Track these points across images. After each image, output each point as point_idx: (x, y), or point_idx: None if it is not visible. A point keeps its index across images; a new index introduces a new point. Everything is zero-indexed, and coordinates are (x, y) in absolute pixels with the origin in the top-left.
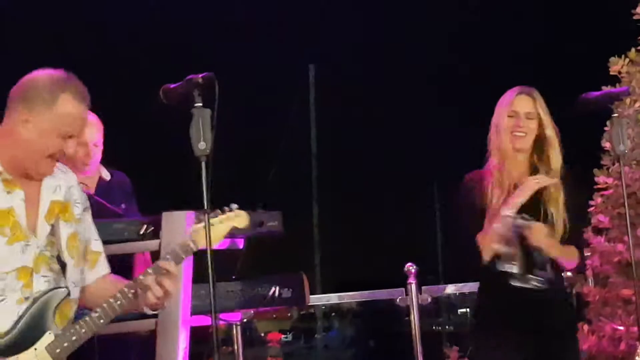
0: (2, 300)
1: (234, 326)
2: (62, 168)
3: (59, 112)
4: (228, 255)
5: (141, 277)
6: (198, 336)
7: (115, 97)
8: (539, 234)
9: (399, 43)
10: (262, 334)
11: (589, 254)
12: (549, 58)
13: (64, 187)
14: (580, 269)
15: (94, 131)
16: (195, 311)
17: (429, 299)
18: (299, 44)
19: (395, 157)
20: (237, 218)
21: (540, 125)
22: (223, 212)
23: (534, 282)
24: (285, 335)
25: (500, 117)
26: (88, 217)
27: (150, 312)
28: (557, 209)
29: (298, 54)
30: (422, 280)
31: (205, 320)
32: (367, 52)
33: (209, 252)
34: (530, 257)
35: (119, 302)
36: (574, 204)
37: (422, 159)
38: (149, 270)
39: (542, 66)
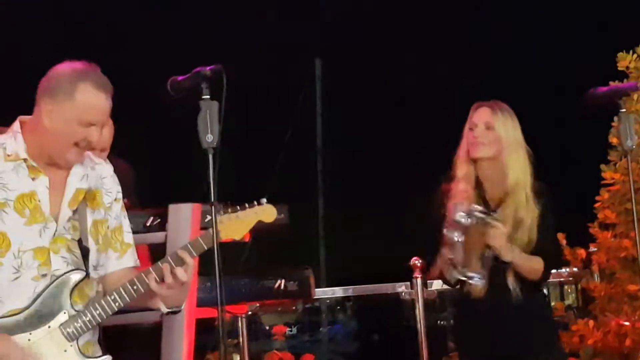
0: (17, 277)
1: (240, 318)
2: (97, 160)
3: (79, 101)
4: (234, 247)
5: (159, 263)
6: (203, 328)
7: (122, 88)
8: (498, 234)
9: (406, 37)
10: (267, 327)
11: (595, 249)
12: (557, 53)
13: (93, 176)
14: (541, 283)
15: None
16: (200, 303)
17: (435, 293)
18: (305, 38)
19: (403, 150)
20: (264, 212)
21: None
22: (252, 205)
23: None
24: (290, 329)
25: (464, 133)
26: (118, 207)
27: (165, 310)
28: (531, 222)
29: (304, 47)
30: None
31: (210, 312)
32: (374, 46)
33: (215, 245)
34: (491, 268)
35: (135, 287)
36: (545, 220)
37: (430, 153)
38: (168, 258)
39: (550, 61)
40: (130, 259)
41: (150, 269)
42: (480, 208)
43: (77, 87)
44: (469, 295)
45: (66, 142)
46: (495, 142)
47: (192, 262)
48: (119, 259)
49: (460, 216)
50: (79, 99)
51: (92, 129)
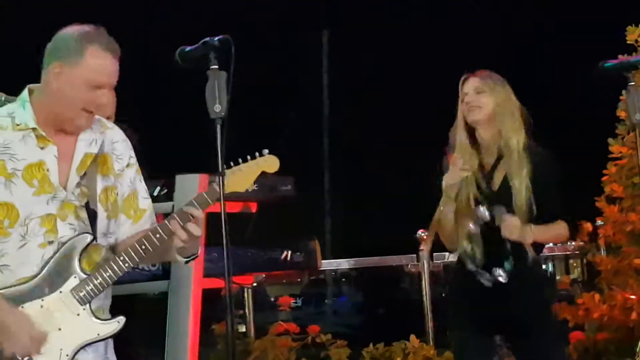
0: (24, 244)
1: (245, 289)
2: (109, 124)
3: (87, 63)
4: (240, 218)
5: (165, 221)
6: (208, 299)
7: (129, 56)
8: (512, 227)
9: (421, 7)
10: (272, 299)
11: (601, 222)
12: (566, 27)
13: (102, 141)
14: (572, 237)
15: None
16: (207, 273)
17: (440, 266)
18: (312, 8)
19: (410, 123)
20: (266, 163)
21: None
22: (254, 157)
23: (493, 278)
24: (295, 300)
25: (458, 107)
26: (131, 172)
27: (182, 259)
28: (520, 181)
29: (311, 18)
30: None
31: (217, 283)
32: (382, 17)
33: (222, 214)
34: (491, 254)
35: (143, 247)
36: (545, 181)
37: (437, 124)
38: (174, 215)
39: (558, 35)
40: (146, 223)
41: (157, 227)
42: (485, 215)
43: (85, 49)
44: (464, 267)
45: (75, 106)
46: (488, 104)
47: (201, 214)
48: (132, 224)
49: (471, 228)
50: (87, 62)
51: (101, 92)
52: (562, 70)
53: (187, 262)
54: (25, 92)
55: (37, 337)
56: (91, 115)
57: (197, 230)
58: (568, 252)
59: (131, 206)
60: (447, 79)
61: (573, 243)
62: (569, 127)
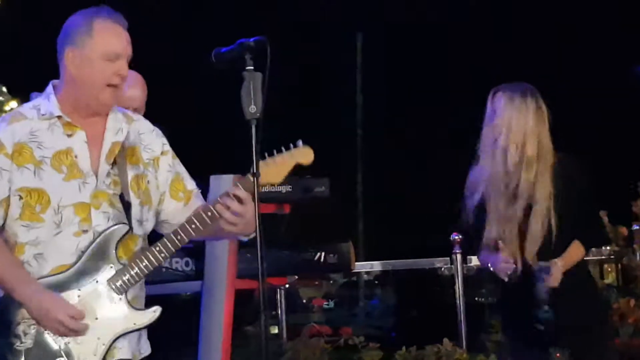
0: (58, 232)
1: (278, 290)
2: (135, 116)
3: (99, 36)
4: (274, 219)
5: (200, 211)
6: (241, 300)
7: (164, 59)
8: (558, 277)
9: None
10: (304, 300)
11: (637, 227)
12: (597, 32)
13: (128, 131)
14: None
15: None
16: (241, 274)
17: (474, 269)
18: (347, 9)
19: (443, 125)
20: (301, 154)
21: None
22: (288, 148)
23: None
24: (327, 302)
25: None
26: (168, 159)
27: (244, 238)
28: (541, 205)
29: (346, 20)
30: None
31: (249, 284)
32: (417, 18)
33: (256, 214)
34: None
35: (179, 237)
36: (574, 190)
37: (472, 124)
38: (218, 199)
39: (589, 41)
40: (196, 203)
41: (192, 217)
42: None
43: (92, 24)
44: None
45: (97, 83)
46: (508, 128)
47: (245, 194)
48: (184, 206)
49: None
50: (97, 34)
51: (119, 63)
52: (595, 73)
53: (247, 240)
54: (49, 86)
55: (76, 315)
56: (115, 90)
57: (241, 208)
58: (603, 257)
59: (178, 189)
60: (481, 81)
61: (608, 248)
62: (605, 131)
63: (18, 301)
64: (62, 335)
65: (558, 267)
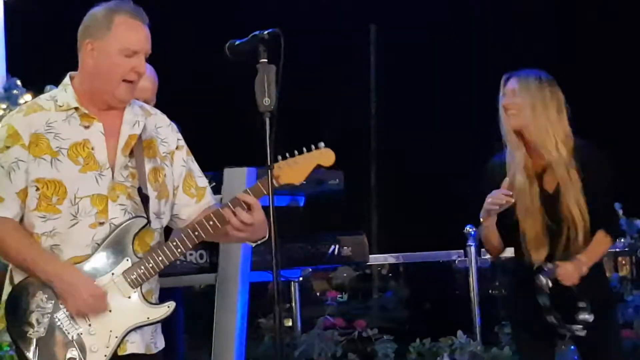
0: (75, 223)
1: (292, 283)
2: (152, 111)
3: (117, 33)
4: (288, 212)
5: (220, 209)
6: (255, 293)
7: (178, 51)
8: (569, 274)
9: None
10: (318, 293)
11: None
12: (619, 27)
13: (147, 124)
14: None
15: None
16: (255, 267)
17: (488, 262)
18: (359, 2)
19: (457, 119)
20: (322, 156)
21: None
22: (309, 149)
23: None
24: (340, 295)
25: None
26: (182, 154)
27: (252, 244)
28: (567, 190)
29: (359, 13)
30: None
31: (264, 277)
32: (429, 11)
33: (271, 207)
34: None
35: (196, 233)
36: (594, 182)
37: (485, 119)
38: (228, 203)
39: (613, 35)
40: (209, 201)
41: (211, 214)
42: (545, 283)
43: (112, 19)
44: (524, 265)
45: (114, 78)
46: (524, 109)
47: (254, 201)
48: (197, 203)
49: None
50: (117, 31)
51: (137, 59)
52: (617, 64)
53: (255, 245)
54: (66, 78)
55: (98, 295)
56: (132, 86)
57: (248, 217)
58: (617, 250)
59: (190, 185)
60: (495, 76)
61: (622, 240)
62: (622, 121)
63: (40, 279)
64: (81, 315)
65: (582, 263)
